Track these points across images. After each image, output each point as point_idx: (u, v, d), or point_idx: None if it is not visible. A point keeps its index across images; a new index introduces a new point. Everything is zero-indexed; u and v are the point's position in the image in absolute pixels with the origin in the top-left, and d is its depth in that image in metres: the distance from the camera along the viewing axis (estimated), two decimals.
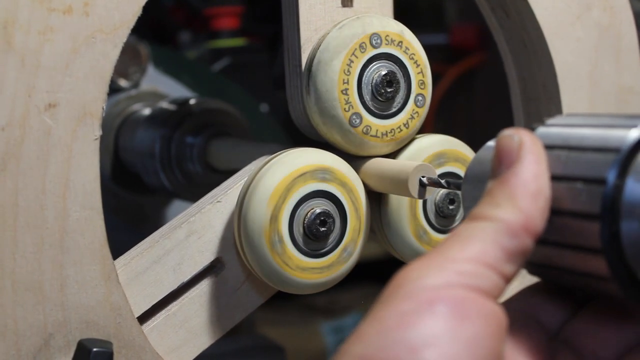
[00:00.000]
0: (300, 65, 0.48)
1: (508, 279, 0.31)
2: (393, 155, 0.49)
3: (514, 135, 0.32)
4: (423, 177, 0.44)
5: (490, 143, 0.36)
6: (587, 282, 0.32)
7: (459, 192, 0.49)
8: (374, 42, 0.46)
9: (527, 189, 0.31)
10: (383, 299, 0.30)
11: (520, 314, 0.34)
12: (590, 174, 0.30)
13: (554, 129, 0.33)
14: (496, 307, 0.30)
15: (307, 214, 0.45)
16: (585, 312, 0.34)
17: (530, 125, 0.35)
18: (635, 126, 0.30)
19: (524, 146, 0.32)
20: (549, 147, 0.32)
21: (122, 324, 0.44)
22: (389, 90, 0.47)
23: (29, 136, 0.41)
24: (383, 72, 0.46)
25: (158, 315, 0.47)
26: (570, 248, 0.31)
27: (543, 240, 0.32)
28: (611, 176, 0.30)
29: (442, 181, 0.43)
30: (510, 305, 0.34)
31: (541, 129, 0.34)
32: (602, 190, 0.30)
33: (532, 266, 0.34)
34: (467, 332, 0.28)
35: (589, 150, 0.31)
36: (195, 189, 0.69)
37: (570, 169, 0.31)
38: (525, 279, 0.37)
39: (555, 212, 0.31)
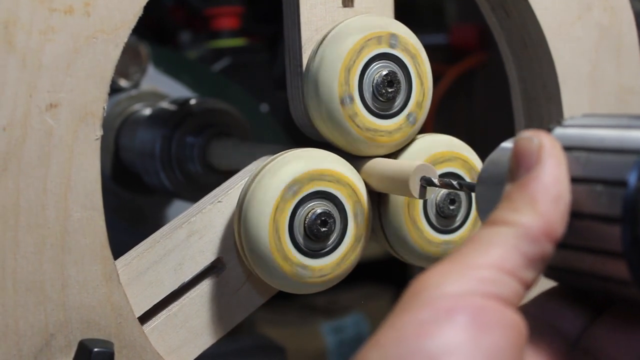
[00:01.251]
0: (301, 66, 0.48)
1: (528, 286, 0.30)
2: (394, 155, 0.49)
3: (533, 138, 0.32)
4: (434, 178, 0.44)
5: (505, 144, 0.35)
6: (607, 287, 0.31)
7: (460, 192, 0.49)
8: (374, 42, 0.46)
9: (547, 193, 0.30)
10: (401, 305, 0.30)
11: (537, 321, 0.33)
12: (610, 176, 0.30)
13: (571, 129, 0.33)
14: (516, 316, 0.29)
15: (308, 214, 0.45)
16: (604, 318, 0.34)
17: (547, 125, 0.34)
18: None
19: (544, 149, 0.31)
20: (567, 149, 0.32)
21: (123, 324, 0.44)
22: (390, 90, 0.47)
23: (30, 136, 0.41)
24: (384, 72, 0.46)
25: (159, 315, 0.47)
26: (590, 251, 0.31)
27: (562, 243, 0.31)
28: (632, 178, 0.29)
29: (455, 182, 0.43)
30: (526, 311, 0.33)
31: (558, 130, 0.33)
32: (623, 193, 0.29)
33: (549, 270, 0.33)
34: (487, 343, 0.28)
35: (608, 151, 0.30)
36: (196, 189, 0.69)
37: (590, 171, 0.31)
38: (541, 283, 0.36)
39: (575, 215, 0.31)
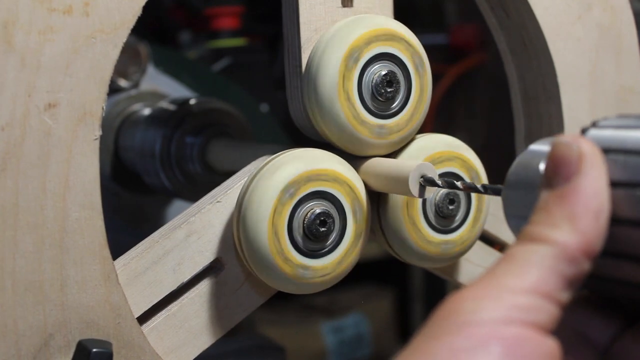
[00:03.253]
0: (300, 66, 0.48)
1: (564, 307, 0.29)
2: (393, 155, 0.49)
3: (573, 144, 0.30)
4: (434, 177, 0.43)
5: (536, 147, 0.33)
6: None
7: (460, 192, 0.48)
8: (374, 42, 0.46)
9: (588, 209, 0.29)
10: (431, 329, 0.29)
11: (568, 330, 0.32)
12: None
13: (607, 131, 0.31)
14: (553, 343, 0.28)
15: (307, 214, 0.45)
16: (637, 329, 0.32)
17: (582, 127, 0.33)
18: None
19: (585, 158, 0.30)
20: (603, 151, 0.30)
21: (121, 324, 0.44)
22: (389, 90, 0.47)
23: (29, 136, 0.41)
24: (383, 72, 0.46)
25: (158, 315, 0.47)
26: (629, 259, 0.29)
27: (603, 251, 0.30)
28: None
29: (479, 186, 0.42)
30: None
31: (593, 132, 0.32)
32: None
33: (590, 277, 0.32)
34: None
35: None
36: (196, 189, 0.69)
37: (629, 175, 0.29)
38: None
39: (613, 220, 0.30)
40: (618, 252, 0.30)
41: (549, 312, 0.29)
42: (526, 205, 0.31)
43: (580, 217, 0.29)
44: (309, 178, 0.45)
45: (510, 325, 0.28)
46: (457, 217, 0.49)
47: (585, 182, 0.29)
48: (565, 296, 0.29)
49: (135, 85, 0.82)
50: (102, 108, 0.43)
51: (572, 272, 0.29)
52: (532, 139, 0.58)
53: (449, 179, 0.44)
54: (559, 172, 0.30)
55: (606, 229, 0.29)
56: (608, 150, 0.30)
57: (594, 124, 0.32)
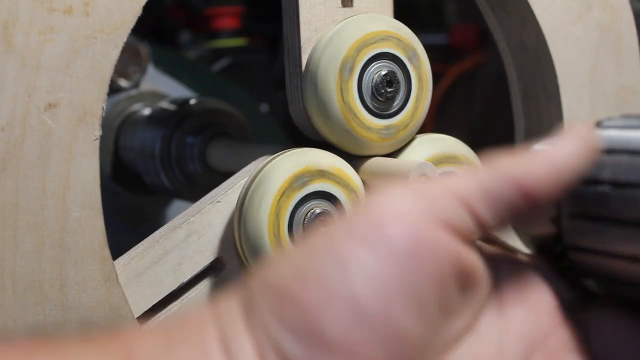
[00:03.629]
0: (300, 66, 0.48)
1: (482, 228, 0.28)
2: (393, 155, 0.49)
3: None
4: (435, 175, 0.43)
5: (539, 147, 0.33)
6: None
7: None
8: (374, 42, 0.46)
9: (545, 155, 0.29)
10: (341, 219, 0.29)
11: (578, 326, 0.31)
12: None
13: (611, 131, 0.31)
14: (456, 246, 0.28)
15: (307, 214, 0.45)
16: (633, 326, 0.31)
17: None
18: None
19: (575, 130, 0.30)
20: (608, 151, 0.30)
21: (122, 324, 0.44)
22: (389, 90, 0.47)
23: (29, 136, 0.41)
24: (383, 72, 0.46)
25: (158, 315, 0.47)
26: (636, 260, 0.29)
27: (603, 251, 0.30)
28: None
29: None
30: (566, 319, 0.31)
31: (597, 132, 0.31)
32: None
33: (595, 279, 0.31)
34: (409, 266, 0.26)
35: None
36: (196, 189, 0.69)
37: (635, 176, 0.29)
38: None
39: (619, 222, 0.29)
40: (625, 254, 0.29)
41: (463, 218, 0.28)
42: None
43: (529, 155, 0.29)
44: (309, 178, 0.45)
45: (414, 215, 0.27)
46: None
47: (562, 143, 0.29)
48: (485, 214, 0.28)
49: (136, 85, 0.82)
50: (103, 108, 0.43)
51: (498, 191, 0.28)
52: (532, 139, 0.58)
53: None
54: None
55: (557, 187, 0.29)
56: (612, 151, 0.30)
57: (598, 124, 0.32)
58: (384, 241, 0.27)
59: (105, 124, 0.72)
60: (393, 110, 0.47)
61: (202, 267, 0.47)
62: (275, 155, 0.47)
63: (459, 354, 0.29)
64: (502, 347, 0.30)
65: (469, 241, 0.29)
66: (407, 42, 0.48)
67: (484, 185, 0.28)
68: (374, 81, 0.46)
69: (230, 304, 0.28)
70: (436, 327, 0.28)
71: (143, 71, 0.82)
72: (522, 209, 0.29)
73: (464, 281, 0.29)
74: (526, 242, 0.49)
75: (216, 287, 0.48)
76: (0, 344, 0.27)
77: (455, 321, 0.29)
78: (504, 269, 0.31)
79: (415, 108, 0.48)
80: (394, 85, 0.47)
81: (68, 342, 0.28)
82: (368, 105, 0.47)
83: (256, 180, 0.45)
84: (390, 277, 0.26)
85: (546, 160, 0.29)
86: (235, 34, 1.18)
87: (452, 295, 0.28)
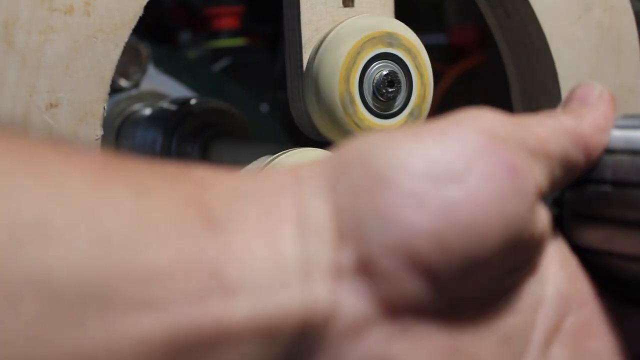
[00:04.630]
0: (301, 66, 0.48)
1: (550, 182, 0.28)
2: None
3: (596, 85, 0.31)
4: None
5: None
6: None
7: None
8: (374, 42, 0.46)
9: (595, 119, 0.29)
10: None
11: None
12: None
13: (612, 131, 0.31)
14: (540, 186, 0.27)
15: None
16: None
17: None
18: None
19: (604, 96, 0.30)
20: (609, 152, 0.30)
21: None
22: (390, 90, 0.47)
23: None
24: (384, 72, 0.46)
25: None
26: (636, 260, 0.29)
27: (610, 252, 0.30)
28: None
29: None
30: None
31: None
32: None
33: (597, 278, 0.31)
34: (497, 176, 0.26)
35: None
36: None
37: (636, 176, 0.29)
38: None
39: (621, 222, 0.29)
40: (629, 254, 0.29)
41: (549, 164, 0.28)
42: None
43: (586, 117, 0.29)
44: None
45: (505, 136, 0.27)
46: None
47: (598, 108, 0.30)
48: (558, 172, 0.28)
49: (136, 85, 0.82)
50: (103, 108, 0.43)
51: (573, 152, 0.29)
52: None
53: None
54: (575, 97, 0.31)
55: (597, 156, 0.30)
56: (614, 151, 0.30)
57: None
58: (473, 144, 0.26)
59: (106, 124, 0.72)
60: (394, 110, 0.47)
61: None
62: (276, 155, 0.47)
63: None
64: (541, 298, 0.29)
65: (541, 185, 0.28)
66: (408, 42, 0.48)
67: (564, 146, 0.29)
68: (375, 81, 0.46)
69: (314, 173, 0.26)
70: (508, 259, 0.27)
71: (143, 71, 0.82)
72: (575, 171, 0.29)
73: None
74: None
75: None
76: (69, 157, 0.23)
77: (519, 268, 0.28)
78: None
79: (416, 108, 0.48)
80: (395, 85, 0.47)
81: (144, 171, 0.25)
82: (369, 105, 0.47)
83: None
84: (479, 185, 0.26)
85: (594, 123, 0.29)
86: (235, 34, 1.18)
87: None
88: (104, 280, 0.21)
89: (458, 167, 0.25)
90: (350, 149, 0.27)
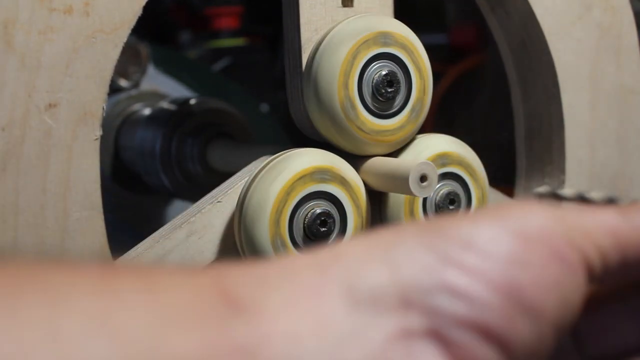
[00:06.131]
0: (300, 66, 0.48)
1: (593, 276, 0.28)
2: (393, 155, 0.49)
3: None
4: (434, 175, 0.43)
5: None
6: None
7: (460, 192, 0.48)
8: (374, 42, 0.46)
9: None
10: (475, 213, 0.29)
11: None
12: None
13: None
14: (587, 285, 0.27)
15: (307, 214, 0.45)
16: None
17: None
18: None
19: None
20: None
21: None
22: (389, 90, 0.47)
23: (29, 136, 0.41)
24: (384, 72, 0.46)
25: None
26: None
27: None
28: None
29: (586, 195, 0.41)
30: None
31: None
32: None
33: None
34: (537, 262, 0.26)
35: None
36: (196, 189, 0.69)
37: None
38: None
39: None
40: None
41: (600, 257, 0.28)
42: None
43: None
44: (309, 178, 0.45)
45: (561, 231, 0.27)
46: None
47: None
48: (597, 262, 0.28)
49: (136, 85, 0.82)
50: (103, 108, 0.43)
51: (610, 250, 0.28)
52: (532, 138, 0.58)
53: (550, 190, 0.44)
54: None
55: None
56: None
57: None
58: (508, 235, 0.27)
59: (105, 124, 0.72)
60: (393, 110, 0.47)
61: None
62: (276, 155, 0.47)
63: None
64: None
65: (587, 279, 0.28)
66: (407, 42, 0.47)
67: (601, 244, 0.28)
68: (374, 81, 0.46)
69: (361, 246, 0.26)
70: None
71: (143, 71, 0.82)
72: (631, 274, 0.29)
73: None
74: None
75: None
76: (71, 269, 0.24)
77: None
78: None
79: (416, 108, 0.48)
80: (395, 85, 0.47)
81: (151, 270, 0.25)
82: (368, 105, 0.47)
83: (256, 181, 0.45)
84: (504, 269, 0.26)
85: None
86: (235, 34, 1.18)
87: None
88: None
89: (521, 253, 0.26)
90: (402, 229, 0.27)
